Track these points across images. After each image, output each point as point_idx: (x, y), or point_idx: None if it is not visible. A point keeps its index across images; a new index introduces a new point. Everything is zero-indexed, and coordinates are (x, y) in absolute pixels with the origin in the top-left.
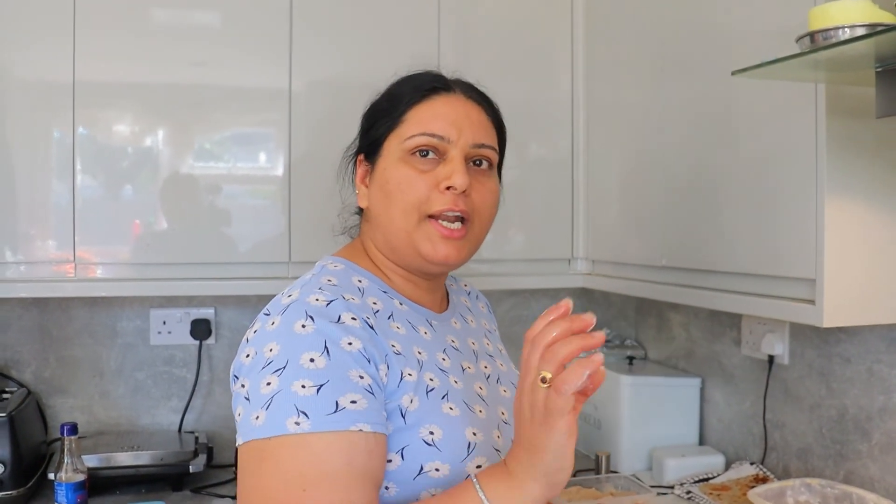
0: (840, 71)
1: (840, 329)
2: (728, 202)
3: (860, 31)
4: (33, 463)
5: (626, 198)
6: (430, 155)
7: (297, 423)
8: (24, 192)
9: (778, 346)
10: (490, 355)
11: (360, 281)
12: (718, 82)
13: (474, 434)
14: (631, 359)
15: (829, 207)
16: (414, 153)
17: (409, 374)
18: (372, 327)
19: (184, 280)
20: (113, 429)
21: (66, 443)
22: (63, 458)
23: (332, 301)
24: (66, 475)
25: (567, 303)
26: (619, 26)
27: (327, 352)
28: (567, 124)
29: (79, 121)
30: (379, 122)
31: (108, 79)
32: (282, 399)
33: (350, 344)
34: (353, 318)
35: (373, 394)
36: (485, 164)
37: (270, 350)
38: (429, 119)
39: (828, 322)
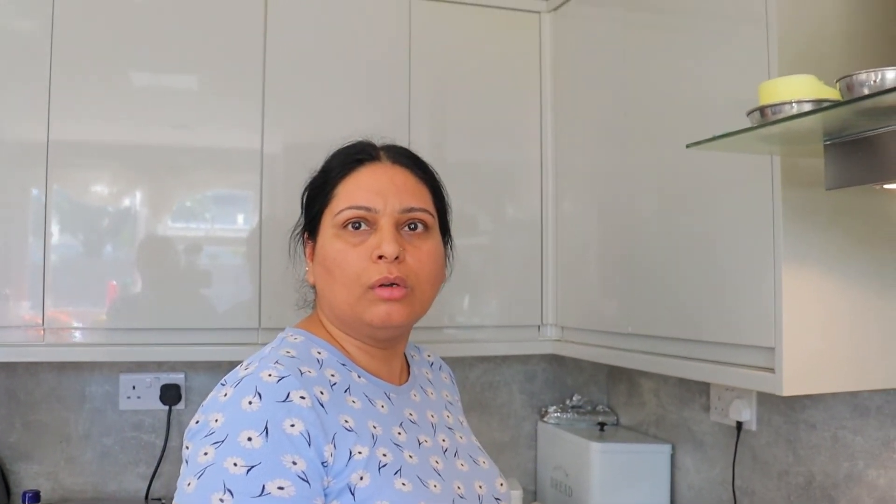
0: (791, 144)
1: (805, 395)
2: (690, 270)
3: (807, 107)
4: None
5: (594, 264)
6: (363, 226)
7: (221, 500)
8: None
9: (745, 413)
10: (449, 428)
11: (319, 353)
12: (678, 152)
13: None
14: (602, 425)
15: (787, 276)
16: (345, 227)
17: (360, 452)
18: (322, 405)
19: (154, 345)
20: (78, 496)
21: None
22: None
23: (283, 378)
24: None
25: None
26: (587, 93)
27: (266, 433)
28: (537, 188)
29: (52, 179)
30: (315, 199)
31: (84, 138)
32: (213, 472)
33: (292, 426)
34: (303, 398)
35: (306, 481)
36: (420, 227)
37: (216, 420)
38: (354, 191)
39: (787, 390)
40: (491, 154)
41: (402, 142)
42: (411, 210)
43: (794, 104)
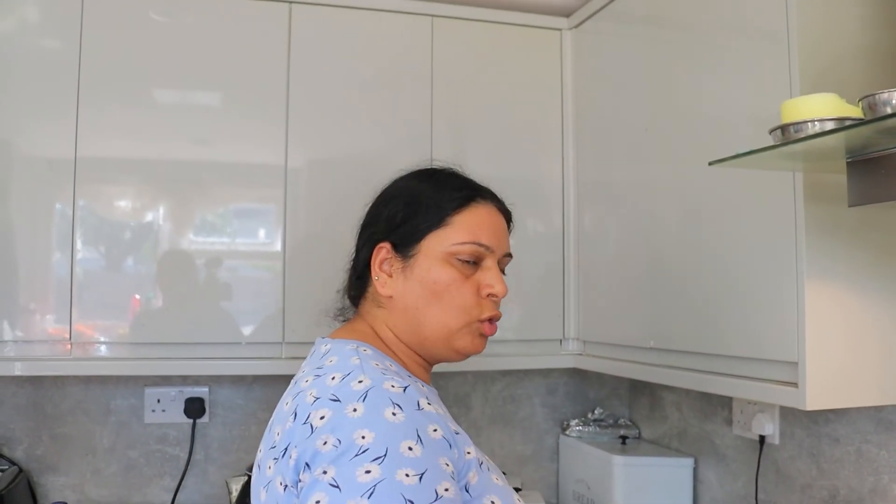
0: (813, 161)
1: (829, 409)
2: (712, 284)
3: (829, 126)
4: None
5: (615, 278)
6: (472, 262)
7: None
8: (24, 267)
9: (768, 427)
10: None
11: (390, 365)
12: (700, 168)
13: (518, 500)
14: (624, 438)
15: (810, 291)
16: (457, 256)
17: (468, 452)
18: (440, 413)
19: (179, 360)
20: None
21: None
22: None
23: (406, 387)
24: None
25: None
26: (608, 109)
27: (420, 440)
28: (558, 203)
29: (80, 195)
30: (419, 218)
31: (110, 154)
32: (386, 487)
33: (435, 431)
34: (429, 404)
35: (455, 480)
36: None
37: (363, 437)
38: (476, 227)
39: (811, 405)
40: (513, 169)
41: (423, 157)
42: (509, 256)
43: (816, 122)
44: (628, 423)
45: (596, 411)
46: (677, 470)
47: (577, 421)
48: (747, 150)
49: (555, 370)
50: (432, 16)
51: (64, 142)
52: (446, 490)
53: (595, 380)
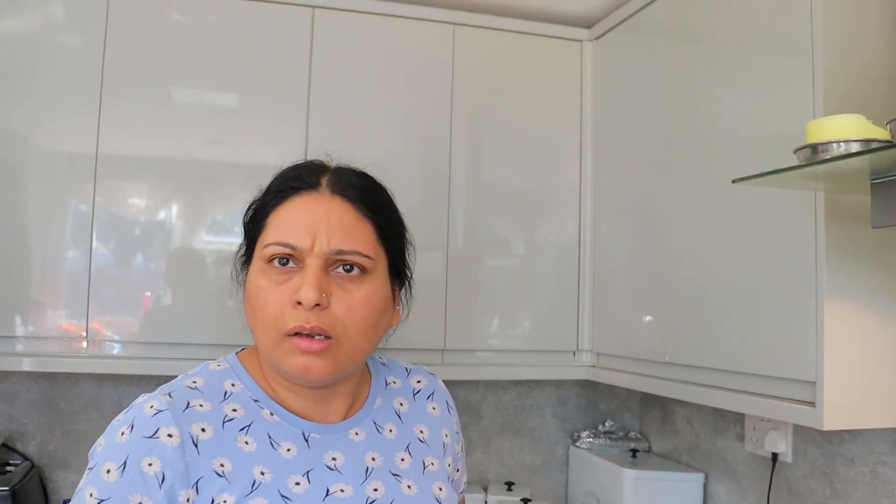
0: (837, 182)
1: (844, 429)
2: (729, 301)
3: (855, 147)
4: None
5: (631, 291)
6: (290, 263)
7: None
8: (37, 263)
9: (781, 444)
10: (395, 474)
11: (233, 384)
12: (719, 184)
13: None
14: (634, 451)
15: (829, 311)
16: (271, 262)
17: (224, 501)
18: (196, 445)
19: (191, 360)
20: None
21: None
22: None
23: (160, 412)
24: None
25: None
26: (627, 121)
27: (123, 467)
28: (575, 213)
29: (99, 192)
30: (250, 225)
31: (130, 152)
32: (77, 498)
33: (150, 465)
34: (170, 436)
35: None
36: (355, 270)
37: (99, 445)
38: (283, 225)
39: (828, 425)
40: (530, 178)
41: (441, 164)
42: (341, 253)
43: (842, 143)
44: (639, 436)
45: (607, 423)
46: (688, 485)
47: (587, 433)
48: (771, 168)
49: (566, 381)
50: (454, 24)
51: (86, 138)
52: None
53: (606, 392)
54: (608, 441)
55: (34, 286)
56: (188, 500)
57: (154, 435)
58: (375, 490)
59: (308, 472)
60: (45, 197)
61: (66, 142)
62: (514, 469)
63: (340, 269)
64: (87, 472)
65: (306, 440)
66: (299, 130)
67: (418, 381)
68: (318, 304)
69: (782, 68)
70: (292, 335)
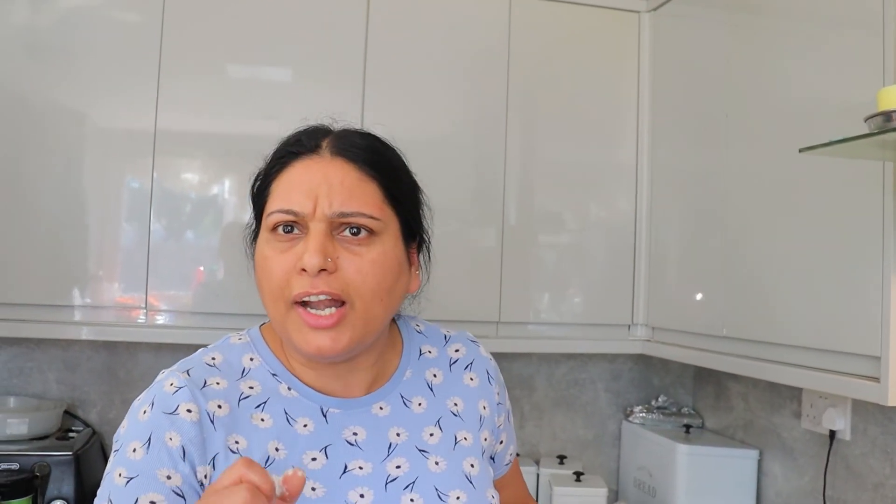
0: None
1: None
2: (791, 274)
3: None
4: None
5: (687, 265)
6: (295, 230)
7: None
8: (96, 237)
9: (839, 422)
10: (422, 451)
11: (251, 359)
12: (782, 155)
13: None
14: (688, 427)
15: (895, 284)
16: (275, 231)
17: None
18: (213, 421)
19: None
20: None
21: None
22: None
23: (180, 389)
24: None
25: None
26: (686, 94)
27: (148, 444)
28: (631, 189)
29: (157, 168)
30: (255, 197)
31: (186, 128)
32: (106, 481)
33: (171, 439)
34: (189, 411)
35: (181, 496)
36: (363, 233)
37: (122, 427)
38: (284, 191)
39: (893, 401)
40: (586, 153)
41: (497, 139)
42: (344, 215)
43: None
44: (692, 412)
45: (660, 398)
46: (742, 461)
47: (640, 407)
48: (840, 137)
49: (620, 355)
50: None
51: (144, 114)
52: (152, 502)
53: (660, 367)
54: (661, 416)
55: (91, 260)
56: (206, 477)
57: (175, 411)
58: (398, 468)
59: (326, 447)
60: (102, 173)
61: (124, 118)
62: (567, 443)
63: (347, 233)
64: (112, 455)
65: (324, 415)
66: (355, 106)
67: (456, 350)
68: (324, 270)
69: (850, 37)
70: (300, 305)
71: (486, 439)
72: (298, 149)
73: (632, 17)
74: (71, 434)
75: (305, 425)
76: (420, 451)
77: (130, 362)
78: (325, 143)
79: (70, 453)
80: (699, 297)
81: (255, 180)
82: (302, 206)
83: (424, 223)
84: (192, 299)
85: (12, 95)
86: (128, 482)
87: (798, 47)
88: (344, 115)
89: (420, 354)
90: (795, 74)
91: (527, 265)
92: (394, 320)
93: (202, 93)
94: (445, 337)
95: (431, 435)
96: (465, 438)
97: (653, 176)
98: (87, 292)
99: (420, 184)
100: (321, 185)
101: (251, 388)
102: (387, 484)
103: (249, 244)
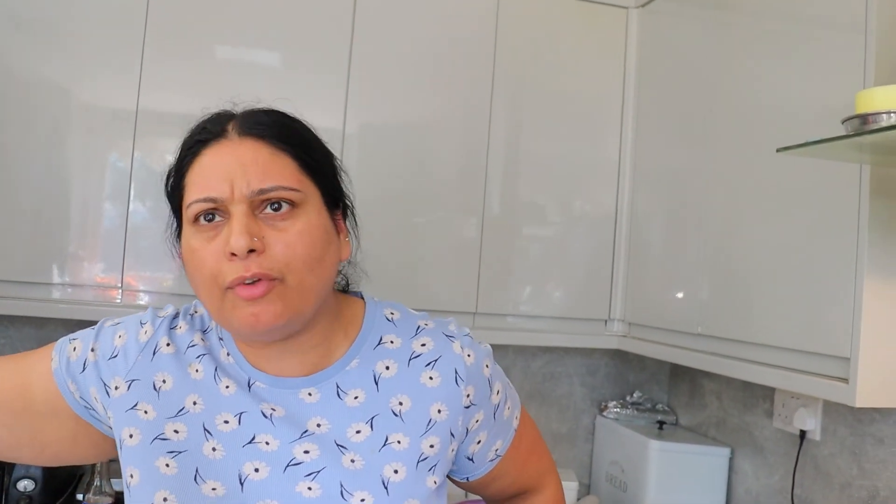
0: (885, 154)
1: (874, 409)
2: (766, 275)
3: None
4: (65, 481)
5: (666, 262)
6: (217, 218)
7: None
8: (77, 215)
9: (810, 422)
10: (340, 445)
11: (212, 324)
12: (761, 155)
13: (164, 500)
14: (661, 423)
15: (868, 287)
16: (197, 222)
17: (145, 412)
18: (154, 353)
19: None
20: None
21: (98, 465)
22: (93, 479)
23: (158, 318)
24: (95, 497)
25: None
26: (670, 93)
27: (115, 326)
28: (613, 184)
29: (138, 147)
30: (171, 194)
31: (170, 109)
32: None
33: (119, 336)
34: (146, 332)
35: (84, 367)
36: (285, 206)
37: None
38: (199, 180)
39: (860, 402)
40: (569, 147)
41: (481, 129)
42: (263, 192)
43: (892, 114)
44: (666, 408)
45: (635, 394)
46: (713, 459)
47: (615, 403)
48: (818, 138)
49: (596, 350)
50: None
51: (127, 94)
52: (74, 349)
53: (636, 363)
54: (635, 412)
55: (72, 238)
56: (115, 388)
57: (142, 325)
58: (306, 452)
59: (241, 413)
60: (85, 151)
61: (107, 96)
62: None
63: (269, 210)
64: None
65: (249, 386)
66: (340, 92)
67: (422, 345)
68: (253, 251)
69: (833, 40)
70: (235, 287)
71: (432, 446)
72: (205, 136)
73: (620, 13)
74: None
75: (228, 387)
76: (338, 445)
77: None
78: (230, 126)
79: None
80: (676, 294)
81: (168, 177)
82: (219, 190)
83: (345, 188)
84: (168, 280)
85: None
86: (88, 330)
87: (781, 48)
88: (328, 102)
89: (379, 343)
90: (778, 75)
91: (506, 257)
92: (364, 304)
93: (187, 74)
94: (418, 328)
95: (358, 432)
96: (399, 442)
97: (635, 172)
98: (66, 270)
99: (403, 171)
100: (235, 167)
101: (202, 340)
102: (287, 466)
103: (174, 243)
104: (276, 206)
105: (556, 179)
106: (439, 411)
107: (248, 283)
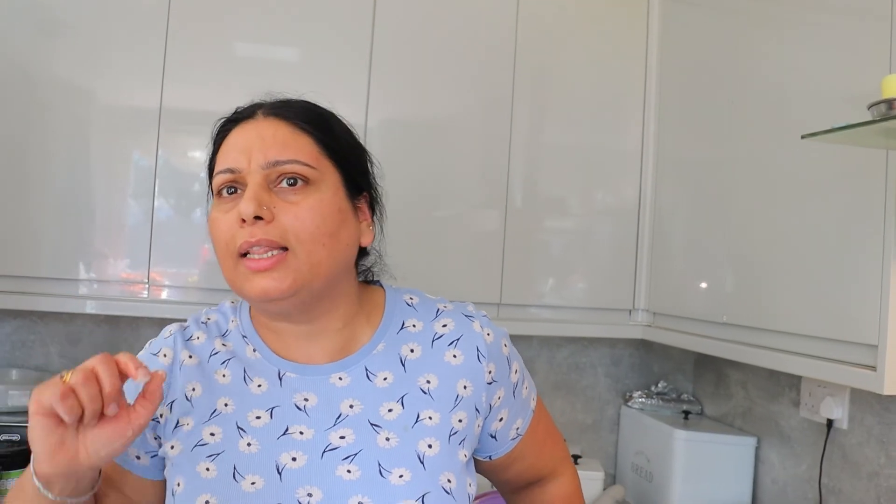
0: None
1: None
2: (792, 262)
3: None
4: None
5: (690, 252)
6: (237, 191)
7: None
8: (102, 212)
9: (837, 411)
10: (374, 425)
11: (232, 321)
12: (787, 143)
13: (206, 503)
14: (686, 413)
15: (895, 273)
16: (220, 194)
17: (187, 424)
18: (180, 368)
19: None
20: None
21: None
22: None
23: (169, 337)
24: None
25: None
26: (692, 82)
27: None
28: (636, 175)
29: (162, 145)
30: (209, 170)
31: (192, 106)
32: None
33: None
34: (165, 355)
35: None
36: (299, 182)
37: None
38: (223, 155)
39: (889, 390)
40: (591, 138)
41: (502, 122)
42: (278, 164)
43: None
44: (691, 398)
45: (660, 385)
46: (739, 448)
47: (640, 393)
48: (843, 124)
49: (621, 340)
50: None
51: (150, 92)
52: None
53: (661, 353)
54: (660, 402)
55: (97, 236)
56: (161, 416)
57: (157, 353)
58: (342, 438)
59: (273, 408)
60: (109, 149)
61: (130, 95)
62: (565, 426)
63: (284, 184)
64: None
65: (280, 378)
66: (361, 87)
67: (444, 325)
68: (261, 218)
69: (858, 25)
70: (244, 257)
71: (460, 421)
72: (235, 117)
73: (641, 3)
74: None
75: (260, 385)
76: (372, 424)
77: (132, 337)
78: (259, 110)
79: None
80: (701, 283)
81: (207, 161)
82: (237, 162)
83: (374, 181)
84: (195, 275)
85: (21, 70)
86: None
87: (805, 34)
88: (350, 96)
89: (402, 328)
90: (802, 61)
91: (529, 248)
92: (384, 291)
93: (209, 72)
94: (437, 311)
95: (390, 410)
96: (430, 418)
97: (657, 163)
98: (92, 267)
99: (425, 164)
100: (255, 141)
101: (224, 345)
102: (324, 452)
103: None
104: (291, 181)
105: (579, 171)
106: (465, 387)
107: (258, 258)
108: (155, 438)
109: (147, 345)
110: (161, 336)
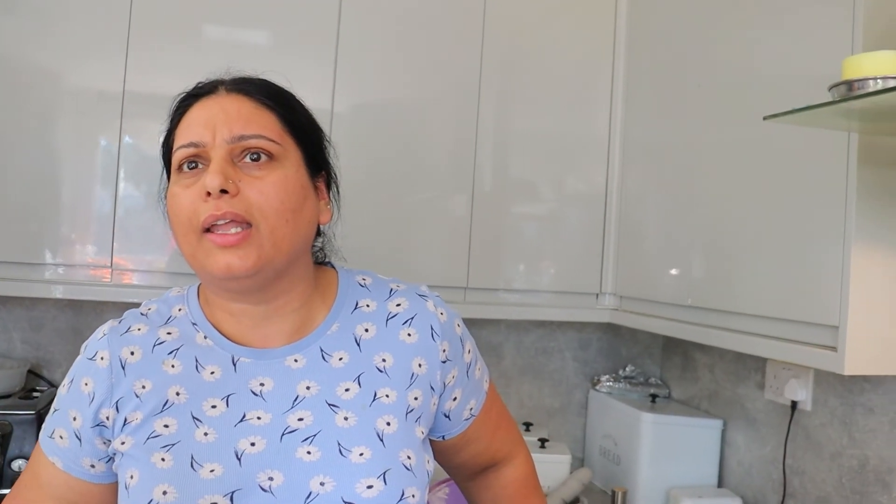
0: (872, 121)
1: (864, 378)
2: (756, 245)
3: (892, 83)
4: None
5: (656, 236)
6: (199, 166)
7: (41, 434)
8: (68, 198)
9: (801, 392)
10: (332, 405)
11: (179, 309)
12: (751, 126)
13: (164, 493)
14: (654, 396)
15: (856, 255)
16: (180, 170)
17: (136, 419)
18: (124, 367)
19: None
20: None
21: None
22: None
23: (103, 337)
24: None
25: None
26: (659, 68)
27: (70, 384)
28: (603, 160)
29: (125, 130)
30: (164, 150)
31: (157, 91)
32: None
33: (86, 384)
34: (102, 358)
35: (78, 438)
36: (263, 157)
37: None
38: (186, 129)
39: (849, 370)
40: (559, 124)
41: (470, 107)
42: (243, 138)
43: (879, 80)
44: (659, 382)
45: (627, 368)
46: (706, 431)
47: (607, 377)
48: (804, 105)
49: (589, 325)
50: None
51: (113, 76)
52: (60, 437)
53: (628, 337)
54: (628, 386)
55: (63, 221)
56: (107, 419)
57: (93, 357)
58: (300, 420)
59: (228, 395)
60: (74, 134)
61: (94, 79)
62: (533, 410)
63: (248, 159)
64: None
65: (234, 364)
66: (328, 71)
67: (398, 305)
68: (226, 192)
69: (821, 8)
70: (208, 231)
71: (416, 398)
72: (196, 91)
73: None
74: (35, 394)
75: (213, 372)
76: (329, 405)
77: (96, 322)
78: (222, 86)
79: (33, 412)
80: (667, 266)
81: (163, 137)
82: (201, 136)
83: (330, 159)
84: (159, 260)
85: None
86: (53, 413)
87: (770, 17)
88: (317, 81)
89: (356, 308)
90: (767, 45)
91: (497, 233)
92: (336, 272)
93: (174, 55)
94: (391, 291)
95: (347, 390)
96: (387, 396)
97: (625, 147)
98: (58, 252)
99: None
100: (219, 116)
101: (169, 334)
102: (283, 435)
103: (162, 199)
104: (255, 156)
105: (546, 156)
106: (420, 365)
107: (223, 233)
108: (104, 443)
109: (83, 348)
110: (94, 337)
